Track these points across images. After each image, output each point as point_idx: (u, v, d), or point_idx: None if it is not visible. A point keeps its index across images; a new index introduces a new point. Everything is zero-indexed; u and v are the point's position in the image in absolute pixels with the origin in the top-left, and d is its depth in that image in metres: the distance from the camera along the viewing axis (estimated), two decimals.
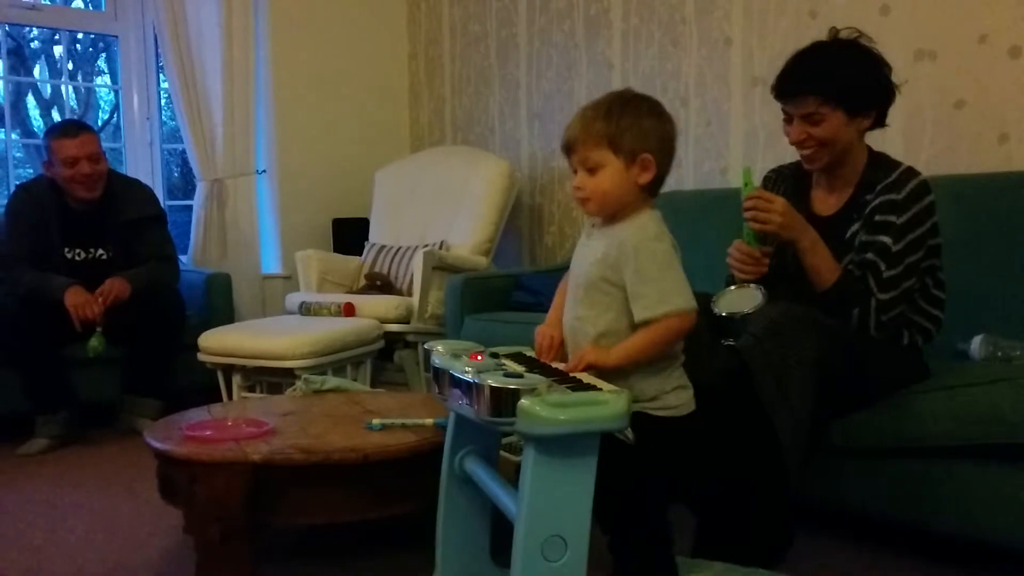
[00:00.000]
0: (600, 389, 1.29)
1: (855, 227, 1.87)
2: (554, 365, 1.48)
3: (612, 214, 1.47)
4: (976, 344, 2.06)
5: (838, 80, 1.83)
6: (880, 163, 1.90)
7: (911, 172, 1.84)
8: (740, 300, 1.83)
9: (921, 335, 1.89)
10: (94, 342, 2.94)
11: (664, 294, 1.38)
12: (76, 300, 2.94)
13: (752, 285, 1.86)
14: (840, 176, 1.93)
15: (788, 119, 1.91)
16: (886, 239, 1.79)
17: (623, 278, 1.41)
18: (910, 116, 2.65)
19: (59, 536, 2.13)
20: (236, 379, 3.08)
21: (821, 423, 1.75)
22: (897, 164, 1.88)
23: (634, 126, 1.42)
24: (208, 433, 1.80)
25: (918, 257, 1.80)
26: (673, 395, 1.44)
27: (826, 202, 1.95)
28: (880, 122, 1.92)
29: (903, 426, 1.76)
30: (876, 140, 2.62)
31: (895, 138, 2.67)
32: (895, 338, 1.86)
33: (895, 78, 1.89)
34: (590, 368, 1.40)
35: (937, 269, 1.89)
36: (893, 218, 1.80)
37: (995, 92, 2.48)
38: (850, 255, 1.85)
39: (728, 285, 1.91)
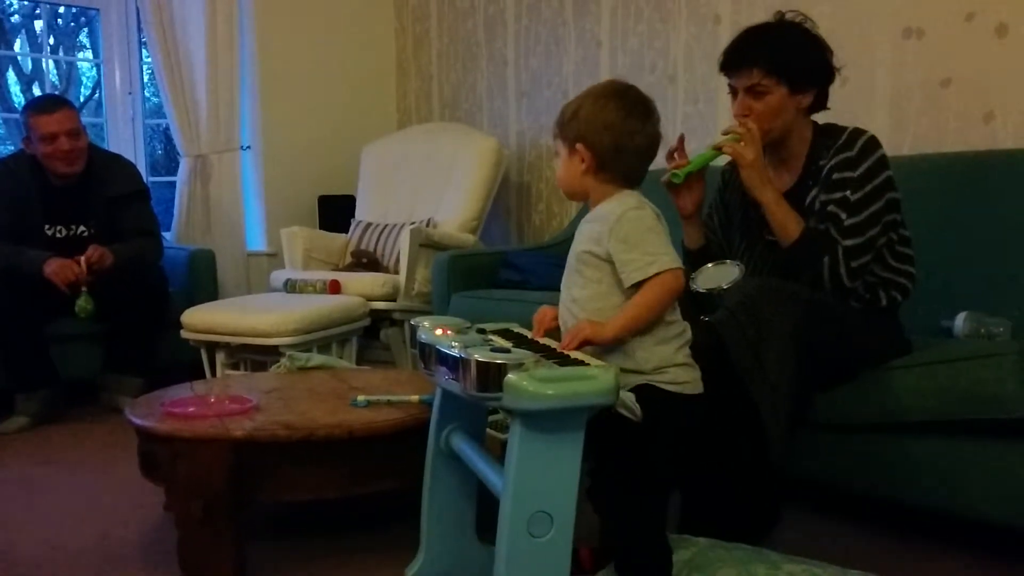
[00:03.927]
0: (588, 364, 1.28)
1: (813, 193, 1.88)
2: (543, 342, 1.47)
3: (581, 199, 1.55)
4: (960, 321, 2.07)
5: (782, 53, 1.87)
6: (827, 131, 1.93)
7: (859, 130, 1.88)
8: (718, 276, 1.86)
9: (899, 293, 1.90)
10: (82, 302, 2.91)
11: (650, 256, 1.40)
12: (55, 267, 2.91)
13: (729, 261, 1.89)
14: (788, 151, 1.95)
15: (733, 94, 1.94)
16: (844, 192, 1.81)
17: (608, 250, 1.42)
18: (896, 94, 2.65)
19: (38, 513, 2.11)
20: (220, 357, 3.06)
21: (803, 397, 1.75)
22: (844, 127, 1.90)
23: (575, 116, 1.49)
24: (190, 410, 1.78)
25: (879, 207, 1.81)
26: (682, 370, 1.44)
27: (780, 180, 1.96)
28: (821, 103, 1.93)
29: (886, 402, 1.77)
30: (862, 118, 2.62)
31: (881, 116, 2.67)
32: (872, 301, 1.87)
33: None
34: (586, 344, 1.39)
35: (899, 225, 1.90)
36: (849, 173, 1.82)
37: (982, 70, 2.47)
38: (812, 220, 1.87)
39: (690, 263, 1.92)
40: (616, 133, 1.45)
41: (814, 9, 1.96)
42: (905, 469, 1.78)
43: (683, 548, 1.55)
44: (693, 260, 1.97)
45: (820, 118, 1.96)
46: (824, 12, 2.01)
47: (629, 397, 1.33)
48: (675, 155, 1.93)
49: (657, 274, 1.39)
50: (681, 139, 1.95)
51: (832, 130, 1.91)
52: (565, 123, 1.49)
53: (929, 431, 1.73)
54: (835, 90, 1.94)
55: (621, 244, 1.41)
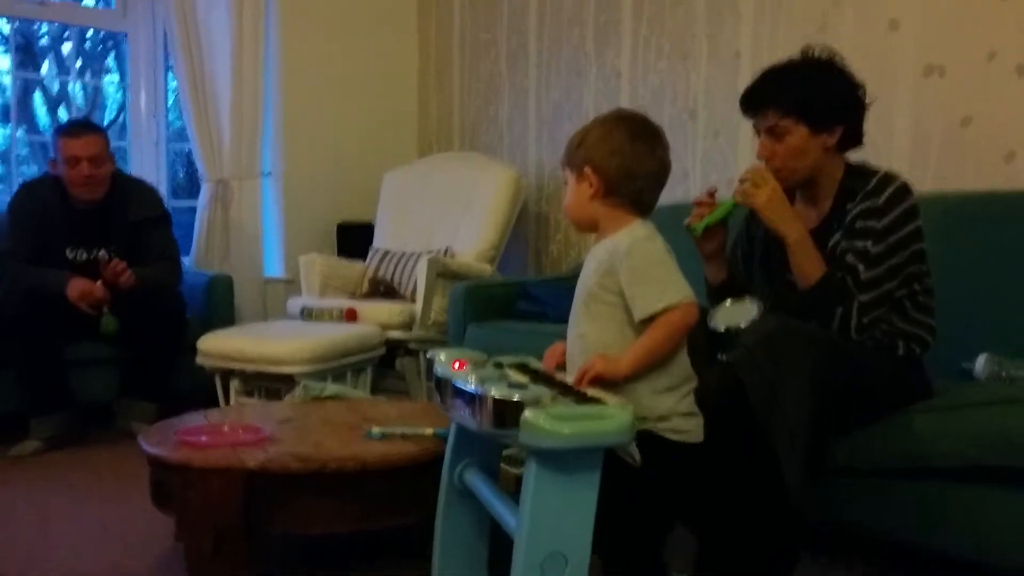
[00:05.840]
0: (605, 403, 1.27)
1: (836, 237, 1.85)
2: (559, 378, 1.46)
3: (590, 229, 1.55)
4: (980, 363, 2.04)
5: (797, 93, 1.83)
6: (858, 172, 1.89)
7: (889, 177, 1.83)
8: (736, 314, 1.83)
9: (918, 344, 1.86)
10: (105, 321, 2.95)
11: (661, 289, 1.40)
12: (78, 291, 2.93)
13: (748, 298, 1.86)
14: (818, 190, 1.92)
15: (758, 135, 1.92)
16: (865, 243, 1.77)
17: (619, 282, 1.42)
18: (917, 132, 2.64)
19: (49, 540, 2.10)
20: (234, 384, 3.05)
21: (822, 438, 1.72)
22: (875, 171, 1.86)
23: (582, 143, 1.49)
24: (203, 439, 1.78)
25: (901, 260, 1.78)
26: (684, 419, 1.45)
27: (807, 216, 1.93)
28: (854, 140, 1.89)
29: (909, 446, 1.74)
30: (883, 155, 2.61)
31: (901, 154, 2.66)
32: (890, 348, 1.83)
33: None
34: (598, 379, 1.38)
35: (924, 275, 1.86)
36: (873, 223, 1.78)
37: (1002, 109, 2.46)
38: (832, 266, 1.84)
39: (712, 298, 1.91)
40: (624, 157, 1.45)
41: (834, 46, 1.95)
42: (928, 515, 1.74)
43: None
44: (716, 295, 1.95)
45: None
46: (845, 49, 1.99)
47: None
48: (699, 203, 1.91)
49: (667, 309, 1.38)
50: (712, 192, 1.94)
51: (863, 172, 1.87)
52: (573, 150, 1.50)
53: (953, 477, 1.70)
54: None
55: (630, 275, 1.41)
